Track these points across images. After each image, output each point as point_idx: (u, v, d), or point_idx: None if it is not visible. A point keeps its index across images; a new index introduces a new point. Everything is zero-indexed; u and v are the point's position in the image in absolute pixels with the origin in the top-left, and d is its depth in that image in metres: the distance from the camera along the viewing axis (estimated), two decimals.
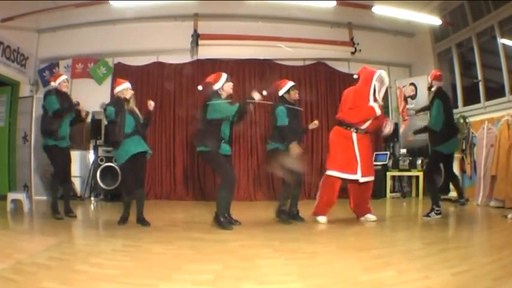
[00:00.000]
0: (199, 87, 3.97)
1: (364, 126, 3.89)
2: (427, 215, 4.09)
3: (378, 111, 3.83)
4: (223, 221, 3.65)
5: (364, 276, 2.12)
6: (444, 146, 4.12)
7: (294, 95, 4.10)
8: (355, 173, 3.85)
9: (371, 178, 3.99)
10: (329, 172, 3.91)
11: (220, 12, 6.51)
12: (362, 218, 4.06)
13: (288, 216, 4.06)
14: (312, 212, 4.04)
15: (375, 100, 3.87)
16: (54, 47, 6.61)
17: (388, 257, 2.55)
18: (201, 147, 3.72)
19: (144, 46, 6.58)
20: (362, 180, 3.88)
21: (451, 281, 1.99)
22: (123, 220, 3.93)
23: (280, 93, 4.10)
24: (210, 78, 3.83)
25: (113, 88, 4.12)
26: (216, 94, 3.74)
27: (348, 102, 3.93)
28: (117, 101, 3.87)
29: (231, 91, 3.81)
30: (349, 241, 3.17)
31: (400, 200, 6.32)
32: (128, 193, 3.93)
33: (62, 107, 4.17)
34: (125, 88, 3.92)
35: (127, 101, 3.90)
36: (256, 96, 3.70)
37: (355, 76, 4.13)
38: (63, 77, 4.41)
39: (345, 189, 4.15)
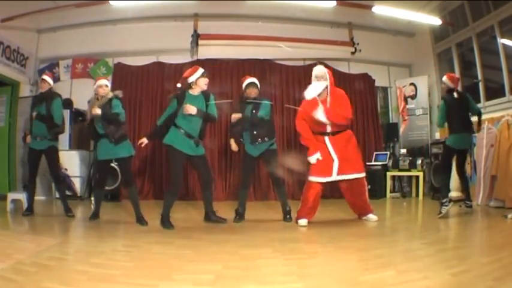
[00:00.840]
0: (178, 85, 3.77)
1: (328, 130, 3.83)
2: (440, 213, 4.12)
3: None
4: (166, 223, 3.65)
5: (364, 276, 2.12)
6: (448, 140, 4.43)
7: (250, 92, 4.08)
8: (330, 175, 3.79)
9: (351, 176, 3.84)
10: (310, 178, 3.87)
11: (220, 12, 6.52)
12: (364, 218, 4.06)
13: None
14: (296, 216, 3.96)
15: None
16: (54, 47, 6.62)
17: (388, 257, 2.55)
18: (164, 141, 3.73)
19: (144, 46, 6.59)
20: (337, 178, 3.80)
21: (450, 281, 1.99)
22: (94, 216, 4.04)
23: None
24: (186, 73, 3.77)
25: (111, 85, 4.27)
26: (188, 87, 3.71)
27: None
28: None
29: (205, 87, 3.75)
30: (349, 241, 3.16)
31: (400, 200, 6.32)
32: (99, 187, 4.15)
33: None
34: (98, 85, 4.00)
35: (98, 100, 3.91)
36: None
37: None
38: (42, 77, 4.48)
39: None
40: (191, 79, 3.69)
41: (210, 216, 3.94)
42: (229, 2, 6.08)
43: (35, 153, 4.28)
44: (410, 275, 2.12)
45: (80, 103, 6.48)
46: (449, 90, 4.41)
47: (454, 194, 5.69)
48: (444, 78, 4.51)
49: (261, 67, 6.70)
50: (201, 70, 3.74)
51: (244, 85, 4.14)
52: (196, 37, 6.44)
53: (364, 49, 6.79)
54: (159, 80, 6.55)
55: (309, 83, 3.95)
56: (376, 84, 7.18)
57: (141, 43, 6.57)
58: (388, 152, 6.74)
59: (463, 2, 5.88)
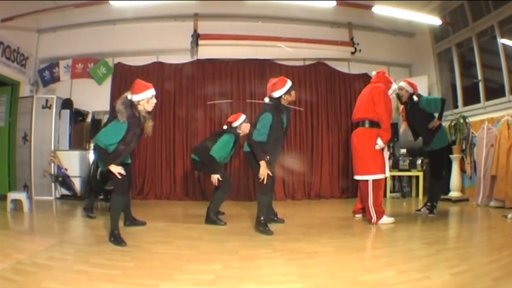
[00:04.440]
0: (225, 127, 4.20)
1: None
2: (432, 212, 4.34)
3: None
4: (215, 218, 3.95)
5: (364, 276, 2.12)
6: (444, 139, 4.53)
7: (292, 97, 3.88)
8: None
9: (359, 177, 3.96)
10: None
11: (220, 12, 6.51)
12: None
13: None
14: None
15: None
16: (54, 47, 6.62)
17: (388, 257, 2.56)
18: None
19: (144, 46, 6.58)
20: (355, 177, 4.04)
21: (451, 281, 2.00)
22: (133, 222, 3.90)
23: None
24: (231, 118, 4.24)
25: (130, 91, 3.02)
26: (234, 130, 4.14)
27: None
28: (133, 112, 2.95)
29: (247, 131, 4.16)
30: (349, 241, 3.17)
31: (400, 200, 6.32)
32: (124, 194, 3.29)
33: None
34: (149, 97, 2.98)
35: (146, 115, 3.07)
36: None
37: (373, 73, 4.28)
38: None
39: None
40: (236, 124, 4.16)
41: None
42: (229, 2, 6.08)
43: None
44: (411, 275, 2.12)
45: (80, 103, 6.49)
46: (411, 95, 4.37)
47: (454, 194, 5.70)
48: (402, 83, 4.43)
49: (261, 67, 6.70)
50: (243, 116, 4.23)
51: (289, 88, 3.69)
52: (196, 37, 6.44)
53: (364, 49, 6.79)
54: (159, 80, 6.54)
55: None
56: None
57: (141, 43, 6.56)
58: (388, 152, 6.73)
59: (463, 2, 5.87)
